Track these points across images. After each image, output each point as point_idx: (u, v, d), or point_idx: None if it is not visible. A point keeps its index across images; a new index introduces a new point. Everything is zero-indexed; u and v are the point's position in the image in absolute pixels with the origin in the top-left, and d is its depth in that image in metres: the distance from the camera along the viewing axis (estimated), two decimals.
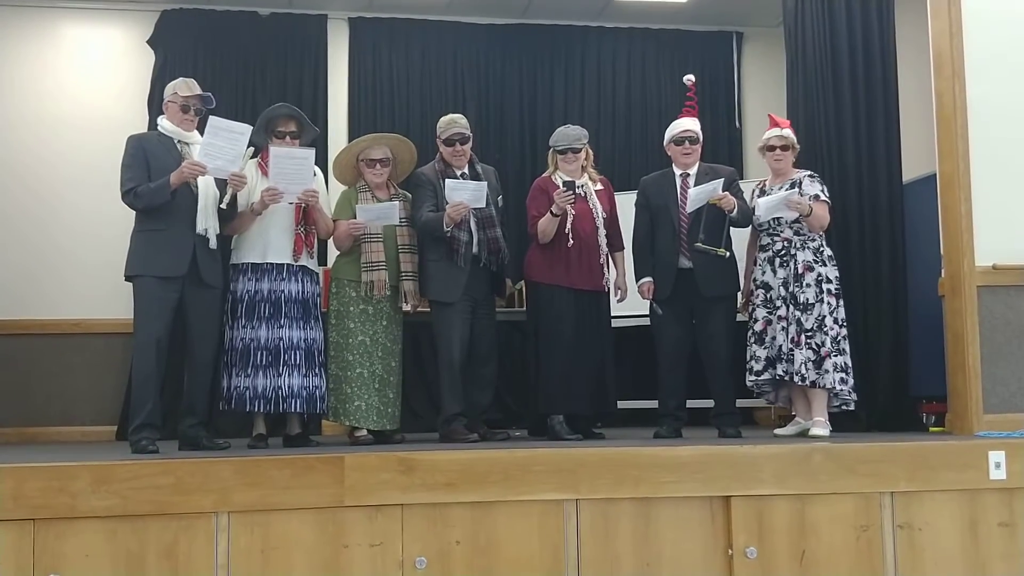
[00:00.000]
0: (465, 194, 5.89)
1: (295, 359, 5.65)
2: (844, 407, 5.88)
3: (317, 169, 6.03)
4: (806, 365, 5.73)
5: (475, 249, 6.03)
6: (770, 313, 5.91)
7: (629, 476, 4.66)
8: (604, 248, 6.08)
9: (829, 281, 5.85)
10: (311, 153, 5.59)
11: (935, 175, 6.11)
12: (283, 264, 5.72)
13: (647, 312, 6.24)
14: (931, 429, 6.34)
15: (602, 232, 6.07)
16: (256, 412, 5.74)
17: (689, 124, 6.21)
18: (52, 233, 8.06)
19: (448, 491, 4.52)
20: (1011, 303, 5.79)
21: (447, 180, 5.95)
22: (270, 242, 5.72)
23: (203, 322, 5.55)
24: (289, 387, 5.62)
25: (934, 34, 6.06)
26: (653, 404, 6.37)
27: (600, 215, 6.07)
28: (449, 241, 5.96)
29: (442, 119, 6.25)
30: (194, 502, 4.35)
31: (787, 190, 5.89)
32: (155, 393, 5.38)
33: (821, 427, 5.71)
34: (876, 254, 6.35)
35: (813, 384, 5.75)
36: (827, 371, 5.74)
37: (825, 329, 5.77)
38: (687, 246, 5.98)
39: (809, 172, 6.05)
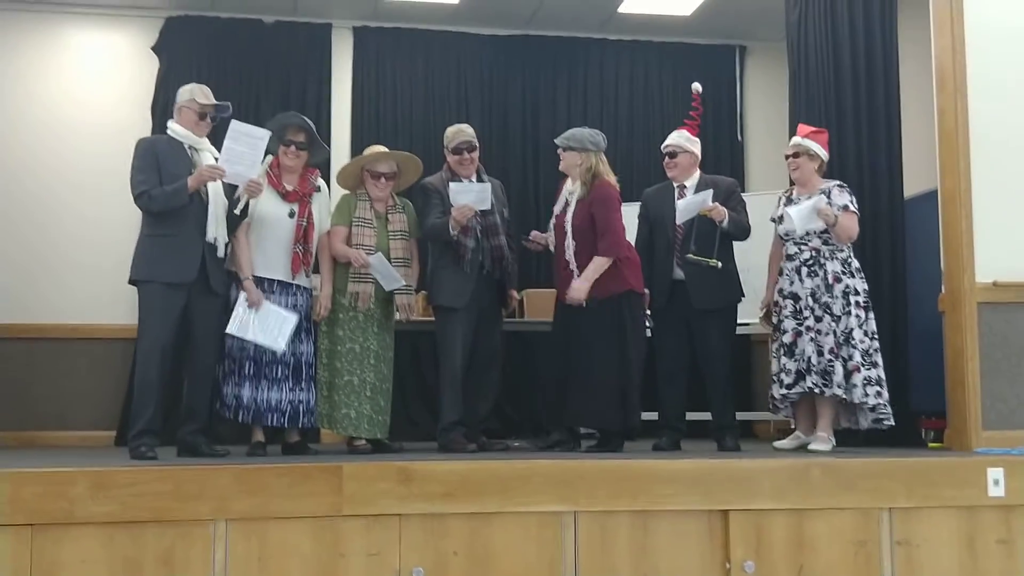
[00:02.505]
0: (469, 196, 5.89)
1: (278, 373, 5.67)
2: (882, 422, 5.78)
3: (322, 183, 6.04)
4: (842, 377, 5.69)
5: (479, 256, 6.04)
6: (799, 324, 5.85)
7: (627, 488, 4.65)
8: (574, 261, 5.85)
9: (857, 293, 5.78)
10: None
11: (936, 191, 6.13)
12: (275, 280, 5.74)
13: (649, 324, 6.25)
14: (930, 445, 6.34)
15: (569, 244, 5.88)
16: (240, 422, 5.74)
17: (672, 138, 6.21)
18: (53, 237, 8.07)
19: (446, 501, 4.51)
20: (1011, 320, 5.80)
21: (451, 183, 5.96)
22: (267, 256, 5.73)
23: (207, 329, 5.54)
24: (269, 400, 5.64)
25: (937, 50, 6.08)
26: (653, 416, 6.36)
27: (569, 228, 5.90)
28: (455, 247, 5.98)
29: (449, 129, 6.26)
30: (192, 509, 4.34)
31: (813, 198, 5.82)
32: (156, 399, 5.36)
33: (823, 442, 5.69)
34: (877, 269, 6.34)
35: (843, 400, 5.72)
36: (855, 385, 5.66)
37: (853, 343, 5.70)
38: (680, 253, 5.99)
39: (838, 182, 5.95)
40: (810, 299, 5.80)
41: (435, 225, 5.99)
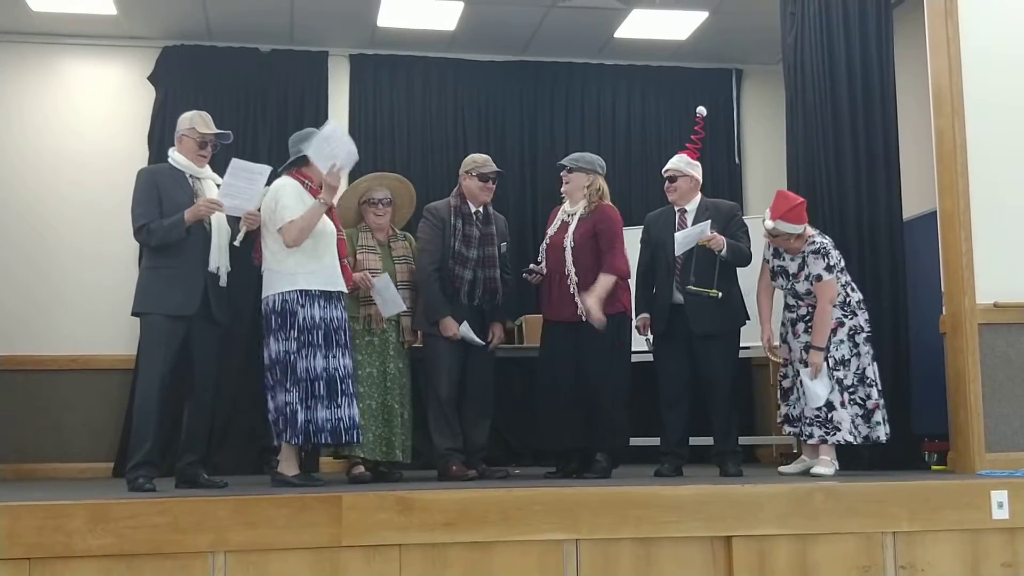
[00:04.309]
0: (469, 338, 5.99)
1: (352, 388, 5.51)
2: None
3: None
4: (854, 423, 5.70)
5: (474, 286, 6.05)
6: (792, 373, 5.91)
7: (630, 516, 4.62)
8: (574, 278, 5.92)
9: (862, 330, 5.81)
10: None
11: (935, 212, 6.12)
12: (341, 292, 5.60)
13: (650, 348, 6.23)
14: (933, 467, 6.31)
15: (569, 260, 5.95)
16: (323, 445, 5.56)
17: (672, 162, 6.21)
18: (51, 268, 8.06)
19: (446, 531, 4.48)
20: (1012, 341, 5.78)
21: (462, 325, 5.97)
22: (334, 270, 5.57)
23: (208, 360, 5.53)
24: (352, 417, 5.44)
25: (933, 72, 6.08)
26: (655, 441, 6.33)
27: (570, 245, 5.97)
28: (452, 280, 6.00)
29: (476, 155, 6.31)
30: (191, 541, 4.31)
31: (796, 262, 5.85)
32: (155, 431, 5.33)
33: (825, 466, 5.66)
34: (877, 291, 6.32)
35: (866, 439, 5.73)
36: (878, 423, 5.72)
37: (868, 381, 5.75)
38: (680, 283, 5.98)
39: (814, 249, 5.79)
40: (805, 354, 5.79)
41: (430, 298, 6.03)
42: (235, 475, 6.00)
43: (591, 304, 5.77)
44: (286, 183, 5.53)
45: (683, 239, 5.91)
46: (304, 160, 5.59)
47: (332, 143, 5.44)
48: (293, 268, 5.43)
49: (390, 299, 5.90)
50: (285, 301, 5.39)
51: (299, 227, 5.37)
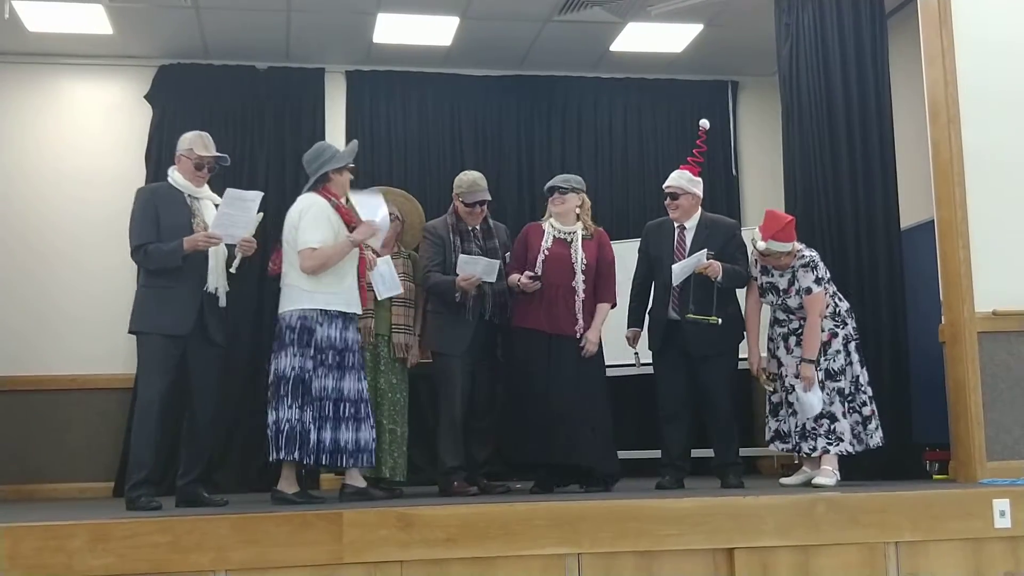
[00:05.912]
0: (477, 268, 5.90)
1: (365, 411, 5.43)
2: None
3: None
4: (854, 432, 5.74)
5: (481, 301, 6.03)
6: (783, 389, 5.90)
7: (631, 529, 4.61)
8: (581, 295, 5.93)
9: (854, 338, 5.86)
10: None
11: (933, 222, 6.12)
12: (356, 313, 5.56)
13: (650, 361, 6.21)
14: (935, 477, 6.30)
15: (580, 278, 5.93)
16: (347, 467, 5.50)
17: (673, 179, 6.14)
18: (50, 288, 8.05)
19: (448, 547, 4.47)
20: (1012, 349, 5.78)
21: (460, 256, 5.94)
22: (352, 291, 5.52)
23: (206, 379, 5.52)
24: (361, 440, 5.38)
25: (929, 82, 6.09)
26: (656, 454, 6.31)
27: (580, 262, 5.95)
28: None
29: (464, 178, 6.21)
30: (192, 560, 4.30)
31: (786, 277, 5.86)
32: (154, 450, 5.33)
33: (826, 476, 5.65)
34: (875, 301, 6.33)
35: (866, 447, 5.76)
36: (875, 429, 5.77)
37: (862, 388, 5.79)
38: (679, 311, 5.96)
39: (803, 263, 5.81)
40: (798, 368, 5.79)
41: (438, 284, 6.00)
42: (235, 493, 5.98)
43: (591, 337, 5.89)
44: (313, 203, 5.47)
45: (680, 270, 5.89)
46: (326, 177, 5.56)
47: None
48: (314, 286, 5.38)
49: (389, 281, 5.80)
50: (304, 318, 5.34)
51: (321, 259, 5.34)
